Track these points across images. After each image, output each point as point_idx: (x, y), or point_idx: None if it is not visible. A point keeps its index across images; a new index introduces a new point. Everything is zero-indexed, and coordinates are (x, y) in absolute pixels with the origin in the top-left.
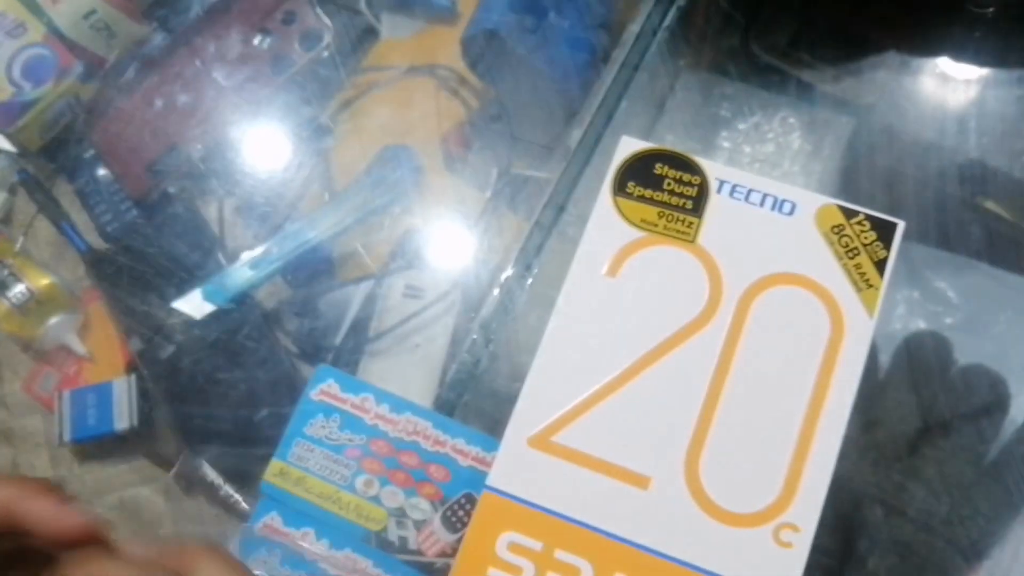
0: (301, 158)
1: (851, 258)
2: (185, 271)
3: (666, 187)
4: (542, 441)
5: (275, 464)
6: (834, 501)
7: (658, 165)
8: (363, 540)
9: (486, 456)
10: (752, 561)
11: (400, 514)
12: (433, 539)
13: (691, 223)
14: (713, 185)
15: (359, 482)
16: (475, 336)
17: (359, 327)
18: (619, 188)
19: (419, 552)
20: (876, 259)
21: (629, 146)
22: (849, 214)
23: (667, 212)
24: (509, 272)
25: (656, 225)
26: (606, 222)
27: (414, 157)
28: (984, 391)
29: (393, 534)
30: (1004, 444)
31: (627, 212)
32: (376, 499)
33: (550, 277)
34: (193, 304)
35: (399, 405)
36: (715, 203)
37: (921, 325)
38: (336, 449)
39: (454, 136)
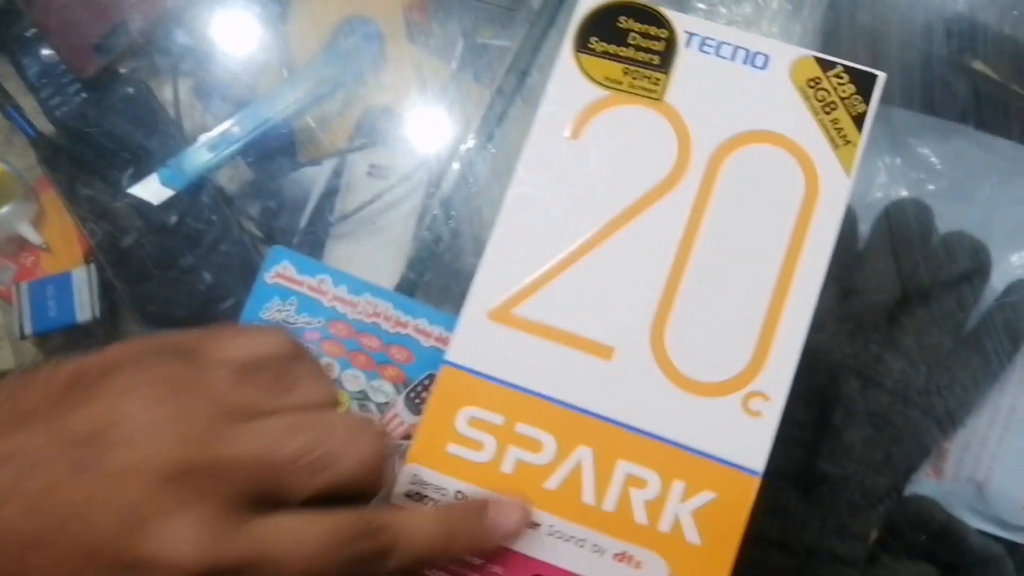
0: (258, 33)
1: (827, 113)
2: (140, 155)
3: (631, 41)
4: (503, 314)
5: None
6: (809, 372)
7: (622, 18)
8: None
9: (449, 336)
10: (721, 431)
11: (362, 397)
12: (397, 421)
13: (658, 80)
14: (681, 39)
15: None
16: (435, 212)
17: (323, 209)
18: (581, 44)
19: None
20: (854, 113)
21: (589, 1)
22: (826, 66)
23: (632, 69)
24: (470, 143)
25: (621, 83)
26: (568, 80)
27: (375, 29)
28: (965, 258)
29: None
30: (984, 312)
31: (590, 69)
32: (337, 383)
33: (514, 147)
34: (150, 189)
35: (358, 286)
36: (683, 58)
37: (903, 193)
38: (294, 333)
39: (417, 5)
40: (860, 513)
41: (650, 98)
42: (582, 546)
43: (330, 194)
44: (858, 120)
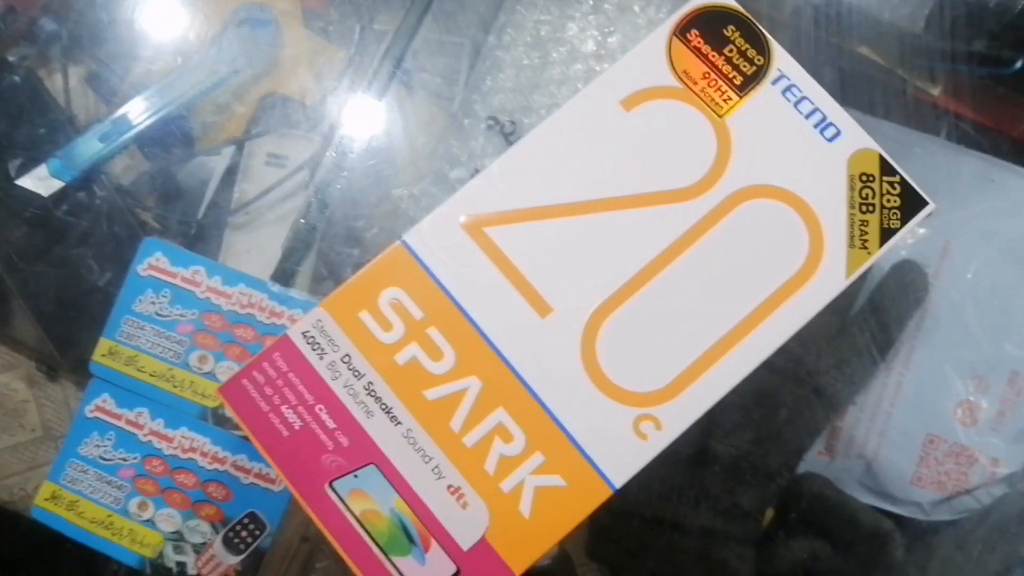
0: (152, 20)
1: (863, 212)
2: (29, 146)
3: (727, 52)
4: (475, 226)
5: (104, 343)
6: None
7: (731, 27)
8: (199, 417)
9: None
10: (604, 434)
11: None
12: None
13: (730, 98)
14: (772, 74)
15: (193, 358)
16: (311, 201)
17: (221, 199)
18: (681, 30)
19: None
20: (887, 225)
21: None
22: (887, 170)
23: (713, 76)
24: (343, 131)
25: (696, 83)
26: (650, 57)
27: (272, 15)
28: None
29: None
30: (869, 293)
31: (675, 57)
32: (211, 375)
33: (390, 134)
34: (39, 180)
35: (232, 277)
36: (764, 92)
37: None
38: (168, 325)
39: None
40: (753, 492)
41: (714, 111)
42: (426, 462)
43: (228, 183)
44: (886, 234)
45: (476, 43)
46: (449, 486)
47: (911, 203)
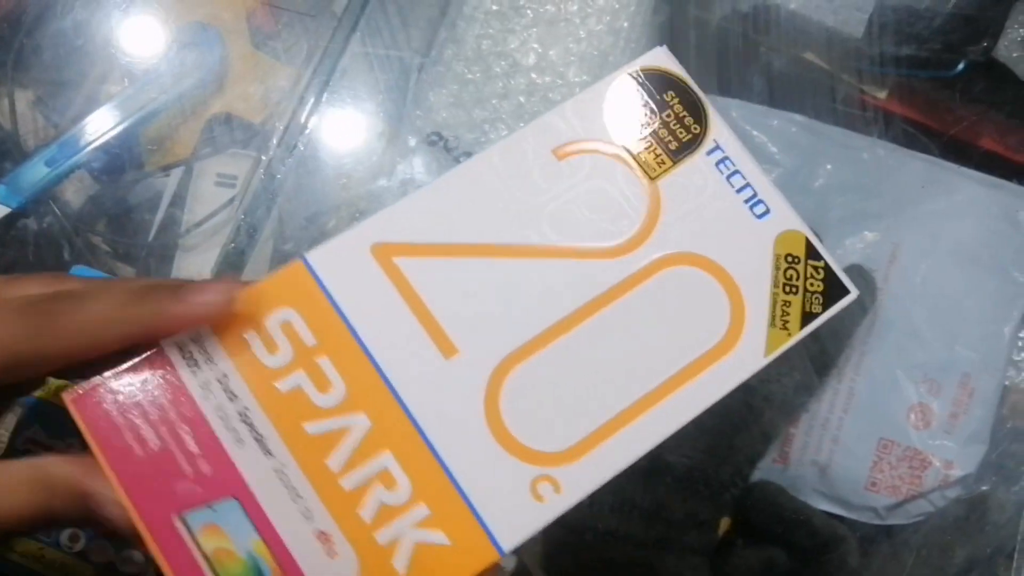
0: (98, 41)
1: (785, 292)
2: None
3: (664, 116)
4: (383, 254)
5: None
6: None
7: (671, 93)
8: None
9: None
10: (498, 491)
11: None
12: None
13: (664, 162)
14: (707, 145)
15: None
16: (240, 225)
17: (171, 221)
18: (622, 89)
19: None
20: (807, 309)
21: (659, 58)
22: (812, 254)
23: (649, 138)
24: (271, 152)
25: (631, 143)
26: (589, 109)
27: (218, 34)
28: None
29: None
30: None
31: (613, 113)
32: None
33: (317, 156)
34: None
35: None
36: (697, 161)
37: None
38: None
39: (260, 11)
40: (707, 502)
41: (647, 172)
42: (295, 501)
43: (178, 205)
44: (807, 317)
45: (418, 59)
46: (318, 531)
47: (834, 290)
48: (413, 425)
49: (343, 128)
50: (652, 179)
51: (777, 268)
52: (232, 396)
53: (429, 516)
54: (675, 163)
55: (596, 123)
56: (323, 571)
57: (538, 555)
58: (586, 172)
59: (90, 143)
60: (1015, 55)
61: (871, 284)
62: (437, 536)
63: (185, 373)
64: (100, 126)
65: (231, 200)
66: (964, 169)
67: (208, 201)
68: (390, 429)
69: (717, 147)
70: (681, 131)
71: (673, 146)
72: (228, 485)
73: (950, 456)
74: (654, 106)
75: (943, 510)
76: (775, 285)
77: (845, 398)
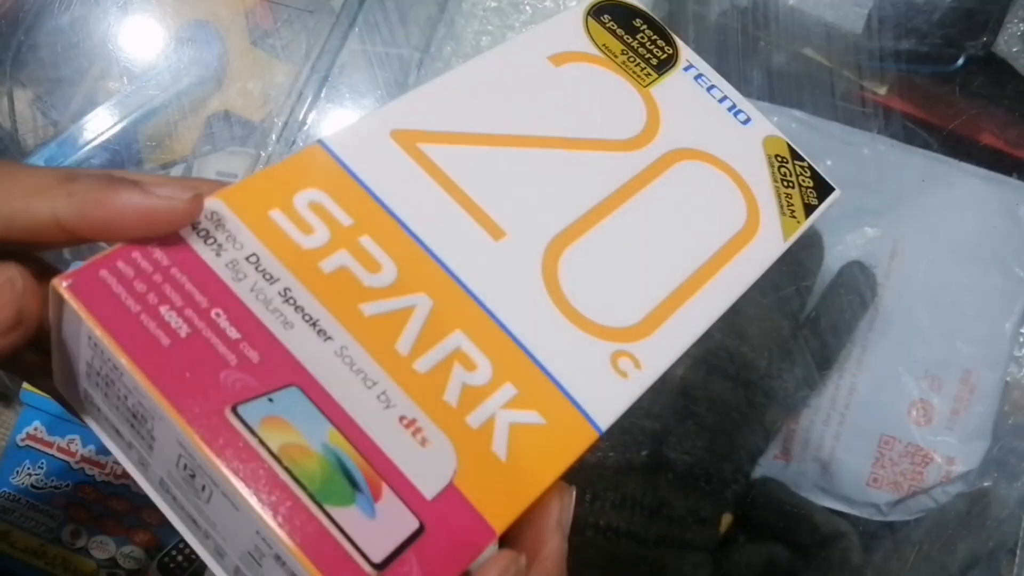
0: (97, 41)
1: (785, 187)
2: None
3: (639, 38)
4: (408, 140)
5: None
6: None
7: (639, 21)
8: None
9: None
10: (580, 369)
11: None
12: None
13: (650, 74)
14: (682, 63)
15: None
16: None
17: None
18: (595, 12)
19: None
20: (807, 201)
21: None
22: (796, 156)
23: (631, 54)
24: (270, 149)
25: (617, 57)
26: (570, 28)
27: (217, 32)
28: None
29: None
30: (820, 296)
31: (594, 32)
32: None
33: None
34: None
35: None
36: (678, 76)
37: None
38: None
39: (259, 8)
40: (707, 499)
41: (637, 81)
42: (369, 387)
43: None
44: (808, 208)
45: (417, 56)
46: (402, 417)
47: (821, 188)
48: (479, 304)
49: (342, 125)
50: (644, 86)
51: (771, 166)
52: (270, 277)
53: (517, 395)
54: (660, 75)
55: (581, 38)
56: (417, 461)
57: None
58: (584, 76)
59: (90, 141)
60: (1015, 50)
61: (872, 280)
62: (531, 416)
63: (207, 254)
64: (99, 124)
65: None
66: (964, 164)
67: None
68: (455, 309)
69: (691, 66)
70: (657, 51)
71: (654, 62)
72: (283, 372)
73: (952, 452)
74: (628, 29)
75: (945, 506)
76: (775, 179)
77: (846, 394)
